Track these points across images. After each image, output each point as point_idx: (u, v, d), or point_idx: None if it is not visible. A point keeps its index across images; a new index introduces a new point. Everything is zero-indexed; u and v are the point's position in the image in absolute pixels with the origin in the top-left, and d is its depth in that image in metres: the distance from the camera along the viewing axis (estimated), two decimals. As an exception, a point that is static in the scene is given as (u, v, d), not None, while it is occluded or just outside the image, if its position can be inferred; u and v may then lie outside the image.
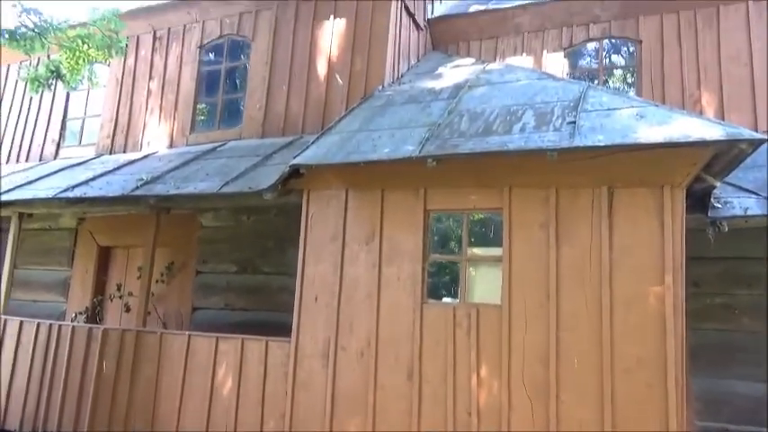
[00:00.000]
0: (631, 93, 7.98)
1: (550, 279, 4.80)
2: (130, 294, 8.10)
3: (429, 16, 8.87)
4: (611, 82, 8.44)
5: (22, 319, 7.28)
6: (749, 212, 5.42)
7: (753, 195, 5.65)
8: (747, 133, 4.16)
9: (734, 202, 5.62)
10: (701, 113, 7.10)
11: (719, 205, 5.57)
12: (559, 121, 4.95)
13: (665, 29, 7.74)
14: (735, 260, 6.34)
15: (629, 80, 8.19)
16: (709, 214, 5.44)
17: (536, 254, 4.90)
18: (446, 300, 5.52)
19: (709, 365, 6.09)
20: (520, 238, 4.99)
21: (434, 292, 5.51)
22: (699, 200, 5.41)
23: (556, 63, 8.20)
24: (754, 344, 6.09)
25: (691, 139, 4.17)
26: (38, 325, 7.08)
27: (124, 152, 8.94)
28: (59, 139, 9.85)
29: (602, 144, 4.39)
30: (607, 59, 8.36)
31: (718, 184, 5.13)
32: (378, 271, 5.45)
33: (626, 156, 4.53)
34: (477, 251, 5.46)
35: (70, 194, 6.91)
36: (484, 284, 5.38)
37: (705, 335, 6.18)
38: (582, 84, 5.87)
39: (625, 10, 7.97)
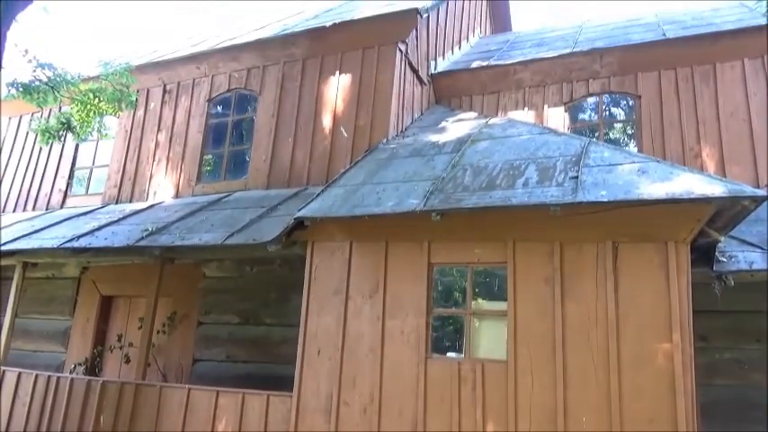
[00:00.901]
0: (632, 146, 8.10)
1: (556, 335, 4.74)
2: (131, 345, 8.01)
3: (432, 71, 9.09)
4: (611, 134, 8.57)
5: (21, 370, 7.17)
6: (754, 266, 5.39)
7: (757, 249, 5.64)
8: (749, 190, 4.19)
9: (739, 256, 5.60)
10: (701, 167, 7.17)
11: (724, 259, 5.55)
12: (562, 176, 5.00)
13: (663, 85, 7.90)
14: (743, 314, 6.26)
15: (630, 132, 8.31)
16: (714, 268, 5.41)
17: (541, 309, 4.86)
18: (451, 354, 5.44)
19: (720, 424, 5.93)
20: (525, 292, 4.95)
21: (439, 345, 5.43)
22: (704, 254, 5.40)
23: (557, 117, 8.34)
24: (765, 400, 5.94)
25: (693, 196, 4.20)
26: (36, 377, 6.97)
27: (130, 202, 9.02)
28: (66, 188, 9.96)
29: (604, 200, 4.42)
30: (607, 113, 8.51)
31: (722, 238, 5.12)
32: (381, 324, 5.39)
33: (629, 211, 4.55)
34: (482, 305, 5.41)
35: (75, 244, 6.93)
36: (489, 338, 5.31)
37: (715, 391, 6.03)
38: (583, 139, 5.95)
39: (623, 66, 8.17)
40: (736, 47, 7.60)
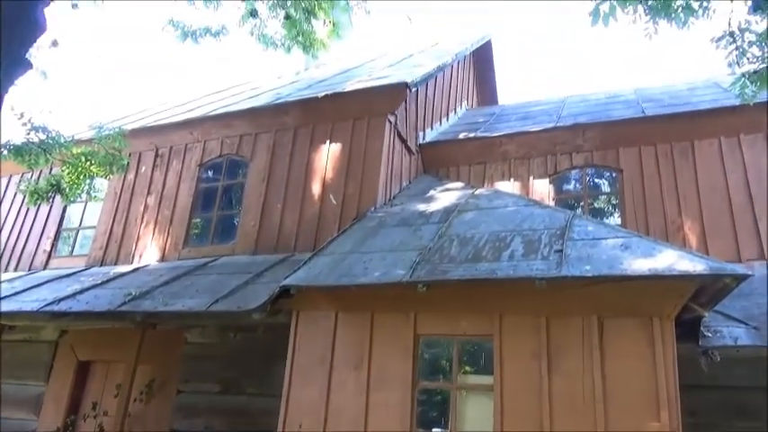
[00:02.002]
0: (616, 216, 8.25)
1: (543, 411, 4.65)
2: (105, 414, 7.70)
3: (420, 142, 9.32)
4: (596, 204, 8.74)
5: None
6: (739, 342, 5.39)
7: (742, 325, 5.66)
8: (730, 268, 4.25)
9: (724, 331, 5.61)
10: (684, 241, 7.29)
11: (710, 334, 5.55)
12: (547, 249, 5.05)
13: (643, 159, 8.14)
14: (731, 389, 6.20)
15: (614, 202, 8.48)
16: (700, 343, 5.40)
17: (528, 384, 4.79)
18: (436, 429, 5.29)
19: (713, 506, 5.75)
20: (511, 366, 4.90)
21: (425, 419, 5.30)
22: (690, 328, 5.40)
23: (542, 188, 8.52)
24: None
25: (675, 273, 4.25)
26: (3, 447, 6.65)
27: (115, 264, 8.93)
28: (51, 249, 9.86)
29: (589, 275, 4.46)
30: (590, 184, 8.71)
31: (706, 314, 5.15)
32: (366, 397, 5.27)
33: (614, 286, 4.58)
34: (469, 378, 5.33)
35: (55, 308, 6.80)
36: (476, 412, 5.19)
37: (706, 469, 5.89)
38: (567, 212, 6.06)
39: (605, 141, 8.43)
40: (713, 125, 7.90)
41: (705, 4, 4.76)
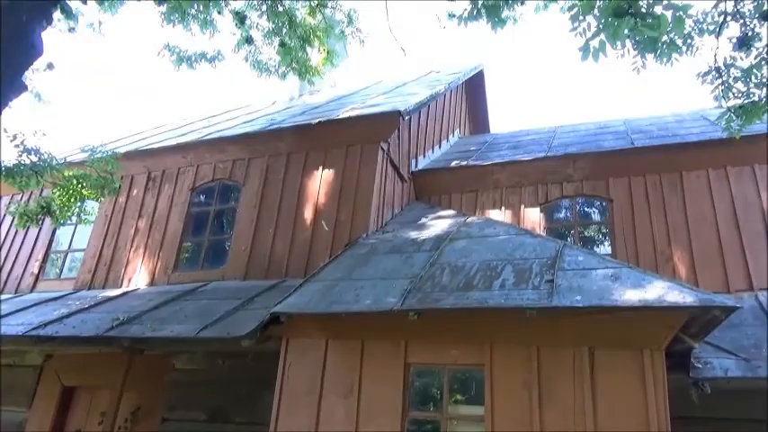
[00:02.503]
0: (606, 245, 8.29)
1: (534, 443, 4.61)
2: (89, 442, 7.55)
3: (413, 169, 9.39)
4: (586, 232, 8.80)
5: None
6: (729, 374, 5.39)
7: (732, 356, 5.66)
8: (719, 300, 4.28)
9: (714, 362, 5.61)
10: (674, 271, 7.33)
11: (700, 366, 5.55)
12: (538, 278, 5.07)
13: (633, 190, 8.23)
14: (725, 421, 6.17)
15: (604, 231, 8.54)
16: (690, 375, 5.39)
17: (519, 415, 4.75)
18: (426, 461, 5.22)
19: None
20: (502, 397, 4.86)
21: (414, 451, 5.22)
22: (680, 359, 5.40)
23: (533, 217, 8.57)
24: None
25: (665, 305, 4.27)
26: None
27: (104, 288, 8.84)
28: (39, 271, 9.76)
29: (579, 305, 4.47)
30: (581, 212, 8.78)
31: (696, 345, 5.16)
32: (356, 427, 5.20)
33: (604, 317, 4.59)
34: (460, 409, 5.28)
35: (41, 332, 6.70)
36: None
37: (698, 504, 5.83)
38: (558, 242, 6.09)
39: (595, 171, 8.53)
40: (701, 157, 8.03)
41: (689, 41, 4.89)
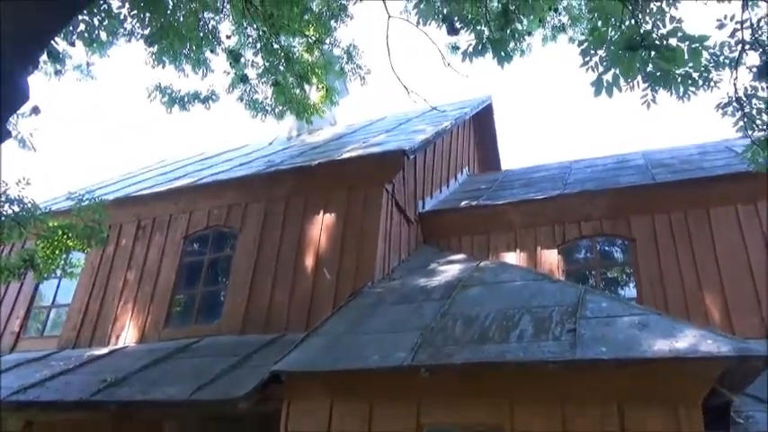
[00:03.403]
0: (631, 287, 8.24)
1: None
2: None
3: (420, 210, 9.44)
4: (609, 274, 8.76)
5: None
6: (774, 429, 5.27)
7: (775, 409, 5.54)
8: (758, 349, 4.22)
9: (756, 416, 5.48)
10: (706, 315, 7.26)
11: (741, 420, 5.42)
12: (559, 328, 5.03)
13: (657, 228, 8.22)
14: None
15: (627, 272, 8.49)
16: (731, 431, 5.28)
17: (544, 481, 4.63)
18: None
19: None
20: (524, 461, 4.75)
21: None
22: (719, 415, 5.28)
23: (550, 259, 8.55)
24: None
25: (699, 355, 4.22)
26: None
27: (89, 346, 8.79)
28: (20, 329, 9.72)
29: (605, 357, 4.41)
30: (602, 253, 8.76)
31: (736, 398, 5.06)
32: (364, 498, 5.07)
33: (633, 369, 4.52)
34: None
35: (21, 397, 6.64)
36: None
37: None
38: (579, 287, 6.07)
39: (615, 209, 8.55)
40: (729, 192, 8.03)
41: (706, 74, 4.96)
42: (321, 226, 8.24)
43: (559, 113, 41.69)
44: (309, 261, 8.04)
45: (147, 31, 8.32)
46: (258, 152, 12.69)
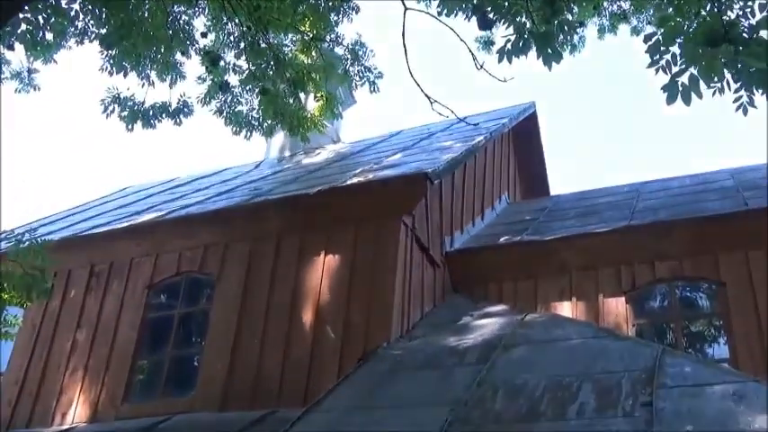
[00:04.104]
0: (722, 344, 8.15)
1: None
2: None
3: (447, 249, 9.46)
4: (693, 327, 8.68)
5: None
6: None
7: None
8: None
9: None
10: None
11: None
12: (630, 401, 5.00)
13: (752, 268, 8.13)
14: None
15: (716, 324, 8.41)
16: None
17: None
18: None
19: None
20: None
21: None
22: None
23: (616, 310, 8.49)
24: None
25: (814, 435, 4.15)
26: None
27: (28, 426, 8.82)
28: (-61, 408, 9.76)
29: (694, 439, 4.36)
30: (683, 301, 8.69)
31: None
32: None
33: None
34: None
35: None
36: None
37: None
38: (654, 347, 6.03)
39: (699, 244, 8.50)
40: None
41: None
42: (322, 271, 8.27)
43: (621, 122, 41.81)
44: (308, 316, 8.05)
45: (103, 30, 8.56)
46: (242, 178, 12.84)
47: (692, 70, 4.48)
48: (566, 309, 8.64)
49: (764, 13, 4.38)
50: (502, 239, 9.69)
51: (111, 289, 9.53)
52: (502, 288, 9.17)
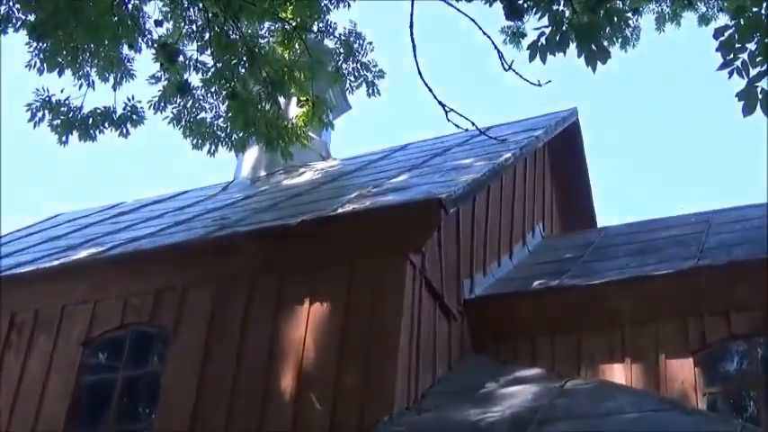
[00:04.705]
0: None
1: None
2: None
3: (466, 296, 9.43)
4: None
5: None
6: None
7: None
8: None
9: None
10: None
11: None
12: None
13: None
14: None
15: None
16: None
17: None
18: None
19: None
20: None
21: None
22: None
23: (682, 374, 8.46)
24: None
25: None
26: None
27: None
28: None
29: None
30: (764, 364, 8.64)
31: None
32: None
33: None
34: None
35: None
36: None
37: None
38: (733, 422, 6.02)
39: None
40: None
41: None
42: (306, 324, 8.24)
43: (687, 135, 41.75)
44: (287, 381, 8.02)
45: (32, 17, 8.59)
46: (204, 204, 12.85)
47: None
48: (617, 373, 8.62)
49: None
50: (536, 284, 9.66)
51: (36, 345, 9.50)
52: (535, 346, 9.16)
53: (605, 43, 6.27)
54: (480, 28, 7.92)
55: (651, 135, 40.68)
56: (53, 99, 9.24)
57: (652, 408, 6.54)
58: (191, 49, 9.75)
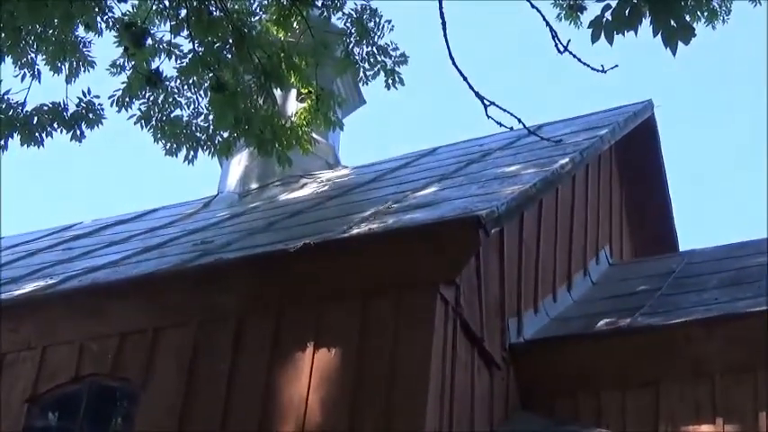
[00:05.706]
0: None
1: None
2: None
3: (512, 340, 9.44)
4: None
5: None
6: None
7: None
8: None
9: None
10: None
11: None
12: None
13: None
14: None
15: None
16: None
17: None
18: None
19: None
20: None
21: None
22: None
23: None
24: None
25: None
26: None
27: None
28: None
29: None
30: None
31: None
32: None
33: None
34: None
35: None
36: None
37: None
38: None
39: None
40: None
41: None
42: (310, 373, 8.26)
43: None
44: (287, 441, 8.09)
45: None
46: (181, 224, 12.90)
47: None
48: (705, 438, 8.64)
49: None
50: (601, 323, 9.67)
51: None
52: (601, 402, 9.17)
53: (688, 18, 6.24)
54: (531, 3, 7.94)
55: (744, 136, 40.13)
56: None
57: (749, 480, 6.56)
58: (163, 29, 9.75)
